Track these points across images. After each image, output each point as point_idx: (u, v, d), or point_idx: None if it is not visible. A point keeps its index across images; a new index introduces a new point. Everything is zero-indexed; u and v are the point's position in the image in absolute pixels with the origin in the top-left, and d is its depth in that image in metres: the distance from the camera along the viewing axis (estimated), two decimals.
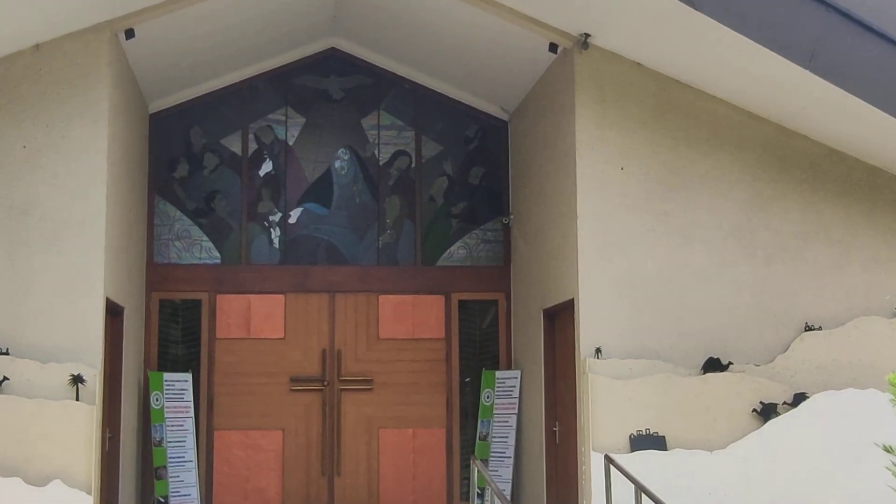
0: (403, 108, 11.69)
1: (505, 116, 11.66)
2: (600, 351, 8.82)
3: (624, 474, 7.76)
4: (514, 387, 11.00)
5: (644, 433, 8.61)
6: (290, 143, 11.51)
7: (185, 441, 10.54)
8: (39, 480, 8.03)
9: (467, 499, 11.19)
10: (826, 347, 8.94)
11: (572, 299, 9.11)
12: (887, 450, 5.39)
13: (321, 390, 11.23)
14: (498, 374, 11.23)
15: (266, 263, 11.32)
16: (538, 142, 10.36)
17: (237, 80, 11.39)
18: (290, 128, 11.51)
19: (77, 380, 8.26)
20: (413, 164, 11.64)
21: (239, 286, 11.21)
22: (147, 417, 10.54)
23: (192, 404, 10.67)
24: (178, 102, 11.25)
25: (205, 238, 11.27)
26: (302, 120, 11.54)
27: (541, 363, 10.18)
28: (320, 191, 11.52)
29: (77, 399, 8.25)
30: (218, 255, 11.28)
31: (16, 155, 8.62)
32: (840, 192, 9.27)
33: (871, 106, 8.14)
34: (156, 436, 10.41)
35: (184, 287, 11.13)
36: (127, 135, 9.69)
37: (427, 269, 11.50)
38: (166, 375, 10.62)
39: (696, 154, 9.18)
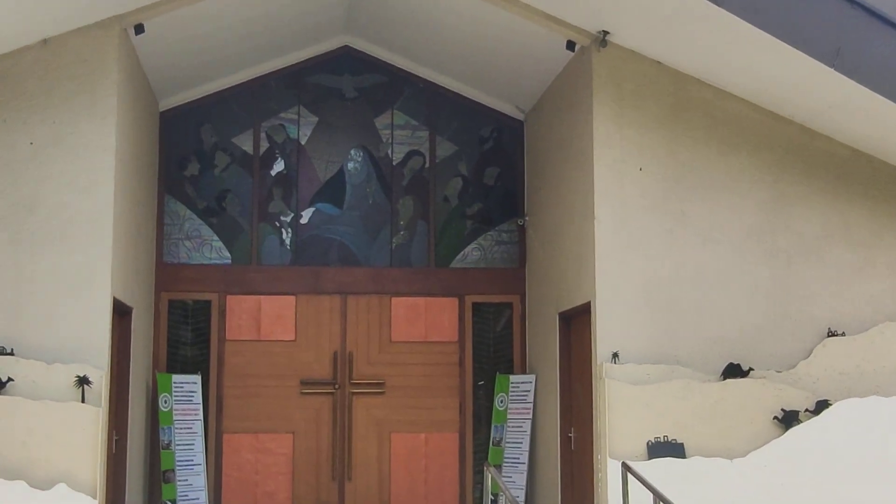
0: (417, 107, 11.55)
1: (520, 116, 11.51)
2: (617, 355, 8.66)
3: (642, 482, 7.56)
4: (528, 391, 10.84)
5: (662, 440, 8.44)
6: (303, 143, 11.38)
7: (193, 444, 10.41)
8: (44, 484, 7.89)
9: None
10: (849, 353, 8.76)
11: (589, 302, 8.95)
12: None
13: (332, 393, 11.09)
14: (512, 378, 11.08)
15: (277, 264, 11.19)
16: (554, 141, 10.20)
17: (249, 78, 11.27)
18: (302, 127, 11.39)
19: (83, 381, 8.13)
20: (427, 164, 11.49)
21: (249, 287, 11.09)
22: (155, 420, 10.41)
23: (201, 407, 10.54)
24: (189, 100, 11.13)
25: (215, 238, 11.14)
26: (314, 119, 11.41)
27: (556, 367, 10.03)
28: (333, 191, 11.39)
29: (83, 401, 8.12)
30: (228, 255, 11.16)
31: (22, 151, 8.49)
32: (864, 193, 9.08)
33: None
34: (164, 438, 10.28)
35: (193, 287, 11.01)
36: (136, 132, 9.56)
37: (441, 271, 11.36)
38: (175, 377, 10.50)
39: (716, 154, 9.02)
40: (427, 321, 11.28)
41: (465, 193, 11.52)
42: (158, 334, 10.89)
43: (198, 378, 10.62)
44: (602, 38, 8.89)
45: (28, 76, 8.54)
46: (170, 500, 10.17)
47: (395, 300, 11.25)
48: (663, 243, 8.86)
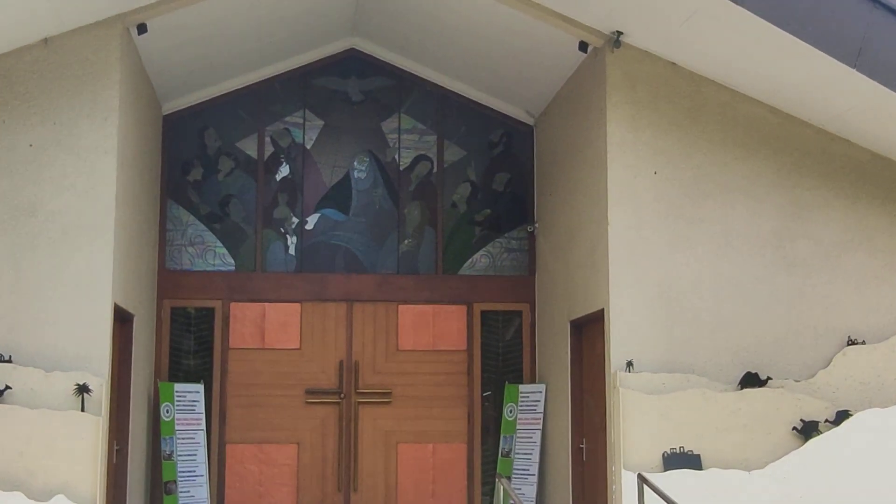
0: (425, 111, 11.39)
1: (530, 120, 11.35)
2: (632, 364, 8.47)
3: (658, 494, 7.37)
4: (538, 401, 10.66)
5: (678, 451, 8.25)
6: (308, 147, 11.22)
7: (196, 454, 10.25)
8: (42, 495, 7.70)
9: None
10: (870, 362, 8.57)
11: (602, 310, 8.76)
12: None
13: (338, 403, 10.91)
14: (521, 387, 10.91)
15: (282, 271, 11.03)
16: (566, 146, 10.02)
17: (253, 81, 11.13)
18: (307, 131, 11.24)
19: (82, 389, 7.95)
20: (435, 170, 11.35)
21: (253, 294, 10.93)
22: (157, 430, 10.26)
23: (203, 416, 10.39)
24: (193, 104, 11.00)
25: (219, 244, 11.00)
26: (320, 123, 11.27)
27: (567, 377, 9.85)
28: (338, 196, 11.23)
29: (82, 410, 7.94)
30: (232, 261, 11.00)
31: (22, 154, 8.32)
32: (885, 198, 8.89)
33: None
34: (166, 449, 10.11)
35: (196, 294, 10.86)
36: (138, 135, 9.39)
37: (449, 278, 11.18)
38: (177, 386, 10.35)
39: (733, 158, 8.85)
40: (435, 329, 11.12)
41: (474, 199, 11.37)
42: (160, 342, 10.74)
43: (200, 387, 10.46)
44: (616, 39, 8.72)
45: (28, 76, 8.38)
46: None
47: (402, 308, 11.10)
48: (679, 249, 8.69)
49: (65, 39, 8.41)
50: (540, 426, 10.59)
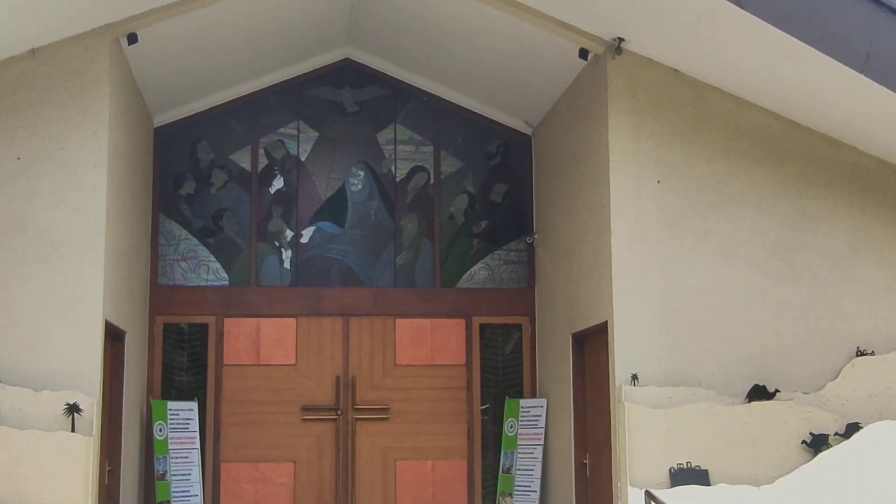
0: (421, 121, 11.25)
1: (528, 130, 11.21)
2: (636, 378, 8.30)
3: None
4: (539, 416, 10.49)
5: (685, 467, 8.07)
6: (303, 159, 11.07)
7: (190, 474, 10.08)
8: None
9: None
10: (880, 374, 8.40)
11: (605, 322, 8.60)
12: None
13: (335, 420, 10.74)
14: (522, 402, 10.74)
15: (276, 285, 10.87)
16: (566, 155, 9.87)
17: (247, 93, 10.97)
18: (302, 142, 11.09)
19: (73, 409, 7.76)
20: (432, 181, 11.20)
21: (248, 309, 10.76)
22: (150, 449, 10.08)
23: (197, 435, 10.23)
24: (184, 116, 10.84)
25: (212, 258, 10.83)
26: (315, 134, 11.11)
27: (569, 391, 9.69)
28: (334, 209, 11.08)
29: (73, 430, 7.75)
30: (226, 276, 10.84)
31: (10, 167, 8.14)
32: (893, 206, 8.75)
33: None
34: (159, 469, 9.93)
35: (190, 310, 10.70)
36: (129, 148, 9.21)
37: (447, 292, 11.03)
38: (170, 404, 10.18)
39: (737, 167, 8.70)
40: (433, 344, 10.96)
41: (472, 211, 11.21)
42: (153, 359, 10.56)
43: (194, 405, 10.30)
44: (617, 46, 8.57)
45: (16, 88, 8.20)
46: None
47: (399, 322, 10.95)
48: (683, 260, 8.53)
49: (53, 50, 8.24)
50: (541, 442, 10.42)
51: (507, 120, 11.23)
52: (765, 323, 8.54)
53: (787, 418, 8.19)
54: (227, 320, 10.75)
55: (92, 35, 8.28)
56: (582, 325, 9.29)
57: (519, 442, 10.60)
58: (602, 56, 8.79)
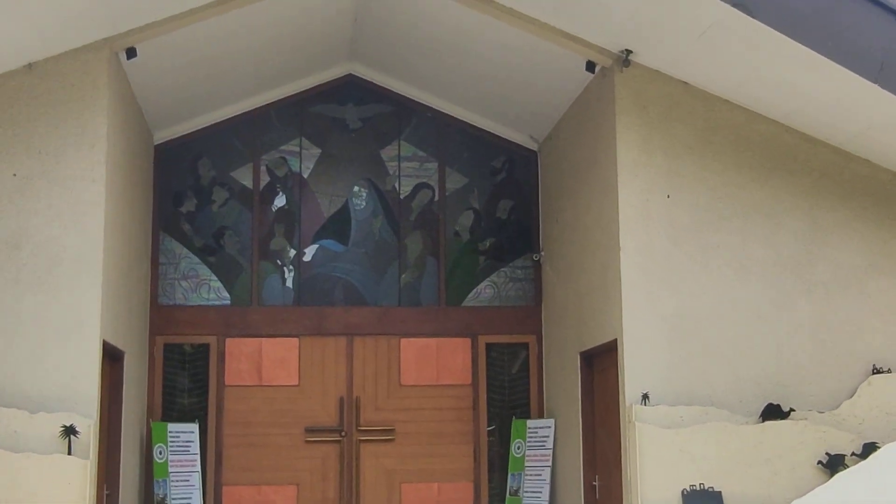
0: (425, 137, 11.11)
1: (534, 146, 11.07)
2: (647, 397, 8.12)
3: None
4: (547, 437, 10.31)
5: (698, 488, 7.89)
6: (305, 176, 10.93)
7: (190, 498, 9.91)
8: None
9: None
10: None
11: (615, 340, 8.42)
12: None
13: (338, 441, 10.58)
14: (529, 423, 10.56)
15: (279, 304, 10.72)
16: (573, 170, 9.72)
17: (248, 109, 10.83)
18: (304, 160, 10.94)
19: (69, 431, 7.58)
20: (436, 198, 11.06)
21: (250, 329, 10.61)
22: (149, 472, 9.90)
23: (198, 457, 10.06)
24: (185, 132, 10.70)
25: (213, 277, 10.68)
26: (317, 151, 10.98)
27: (578, 411, 9.50)
28: (337, 227, 10.94)
29: (69, 453, 7.56)
30: (227, 295, 10.68)
31: (5, 184, 7.98)
32: None
33: None
34: (159, 492, 9.76)
35: (190, 330, 10.54)
36: (128, 164, 9.06)
37: (452, 310, 10.87)
38: (171, 426, 10.02)
39: (748, 180, 8.54)
40: (438, 363, 10.79)
41: (477, 228, 11.07)
42: (153, 380, 10.40)
43: (195, 427, 10.13)
44: (625, 58, 8.43)
45: (12, 103, 8.05)
46: None
47: (404, 341, 10.79)
48: (694, 275, 8.37)
49: (50, 64, 8.10)
50: (549, 463, 10.23)
51: (513, 135, 11.09)
52: (778, 339, 8.36)
53: (803, 438, 8.01)
54: (228, 340, 10.59)
55: (90, 49, 8.14)
56: (590, 344, 9.13)
57: (526, 463, 10.41)
58: (610, 69, 8.65)
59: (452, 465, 10.68)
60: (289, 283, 10.81)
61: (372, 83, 11.04)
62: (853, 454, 7.97)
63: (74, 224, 7.96)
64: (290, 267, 10.83)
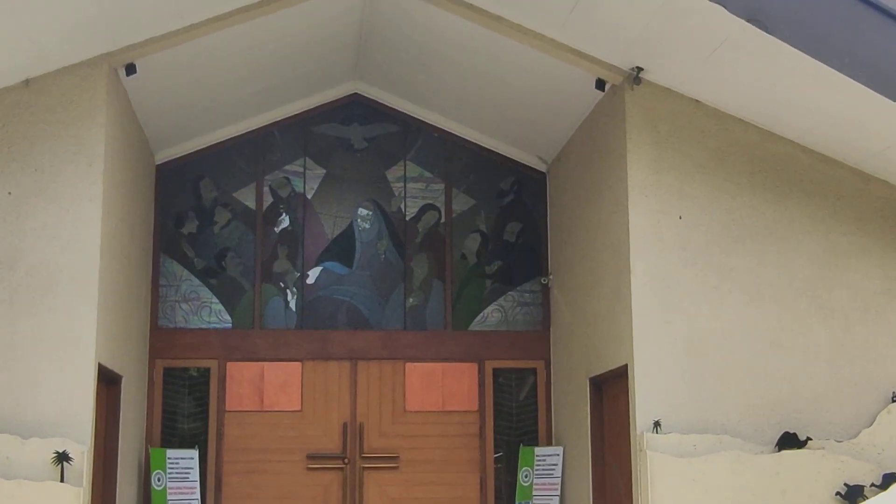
0: (432, 158, 10.94)
1: (543, 167, 10.90)
2: (659, 424, 7.89)
3: None
4: (555, 465, 10.09)
5: None
6: (309, 197, 10.76)
7: None
8: None
9: None
10: None
11: (625, 365, 8.20)
12: None
13: (342, 468, 10.37)
14: (537, 450, 10.33)
15: (281, 328, 10.52)
16: (582, 192, 9.53)
17: (251, 129, 10.66)
18: (308, 180, 10.78)
19: (62, 458, 7.34)
20: (443, 220, 10.88)
21: (252, 353, 10.41)
22: (147, 500, 9.67)
23: (198, 484, 9.82)
24: (187, 152, 10.53)
25: (215, 300, 10.49)
26: (322, 171, 10.81)
27: (587, 438, 9.27)
28: (341, 248, 10.76)
29: (62, 480, 7.31)
30: (229, 318, 10.49)
31: (1, 202, 7.79)
32: None
33: None
34: None
35: (191, 354, 10.33)
36: (128, 183, 8.88)
37: (458, 335, 10.67)
38: (170, 452, 9.80)
39: (762, 201, 8.34)
40: (444, 389, 10.59)
41: (484, 251, 10.88)
42: (152, 405, 10.19)
43: (195, 453, 9.90)
44: (636, 76, 8.25)
45: (8, 119, 7.87)
46: None
47: (409, 366, 10.59)
48: (707, 299, 8.15)
49: (47, 80, 7.92)
50: (558, 492, 10.00)
51: (521, 156, 10.92)
52: (794, 366, 8.14)
53: (820, 468, 7.78)
54: (230, 364, 10.40)
55: (88, 65, 7.96)
56: (600, 369, 8.91)
57: (534, 492, 10.18)
58: (620, 87, 8.47)
59: (458, 493, 10.46)
60: (292, 306, 10.62)
61: (377, 102, 10.89)
62: (873, 485, 7.75)
63: (70, 242, 7.76)
64: (294, 289, 10.65)
